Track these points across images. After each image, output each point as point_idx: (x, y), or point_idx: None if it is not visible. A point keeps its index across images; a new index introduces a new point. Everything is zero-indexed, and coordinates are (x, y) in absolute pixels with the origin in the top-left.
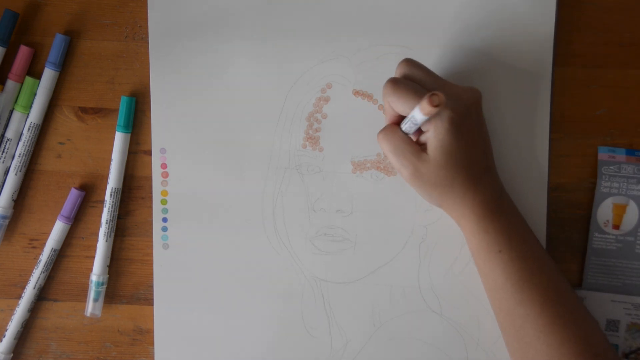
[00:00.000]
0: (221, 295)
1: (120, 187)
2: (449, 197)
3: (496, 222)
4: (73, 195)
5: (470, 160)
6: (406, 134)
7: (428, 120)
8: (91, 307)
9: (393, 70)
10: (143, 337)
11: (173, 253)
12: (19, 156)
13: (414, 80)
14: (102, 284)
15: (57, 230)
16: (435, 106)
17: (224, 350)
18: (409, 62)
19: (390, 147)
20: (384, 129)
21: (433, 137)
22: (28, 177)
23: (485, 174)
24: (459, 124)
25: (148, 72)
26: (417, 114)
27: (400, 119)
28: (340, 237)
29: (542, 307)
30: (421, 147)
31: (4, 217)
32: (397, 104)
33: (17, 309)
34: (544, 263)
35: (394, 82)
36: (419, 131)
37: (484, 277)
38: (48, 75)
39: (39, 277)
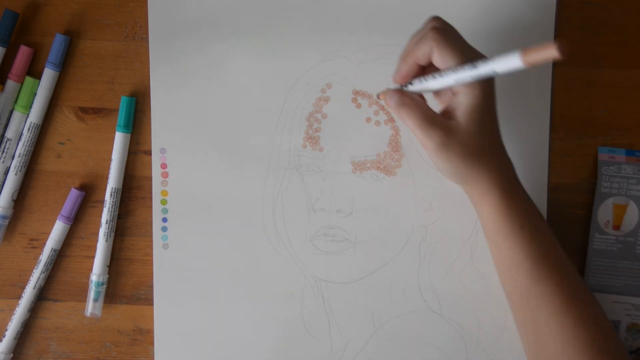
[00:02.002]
0: (221, 295)
1: (120, 187)
2: (475, 170)
3: (519, 196)
4: (73, 195)
5: (496, 131)
6: (422, 99)
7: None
8: (91, 307)
9: (393, 70)
10: (143, 337)
11: (173, 253)
12: (19, 156)
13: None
14: (102, 284)
15: (57, 230)
16: (564, 53)
17: (224, 350)
18: (441, 20)
19: (416, 122)
20: (404, 101)
21: (467, 101)
22: (28, 177)
23: (501, 151)
24: (491, 90)
25: (148, 72)
26: (512, 62)
27: (414, 74)
28: (340, 237)
29: (559, 286)
30: (444, 115)
31: (4, 217)
32: (446, 55)
33: (17, 309)
34: (556, 241)
35: (444, 31)
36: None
37: (500, 256)
38: (48, 75)
39: (39, 277)
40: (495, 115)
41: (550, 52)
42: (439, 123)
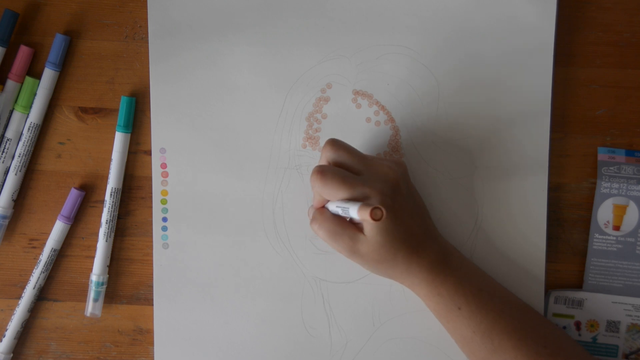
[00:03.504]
0: (221, 295)
1: (120, 187)
2: (394, 270)
3: (447, 282)
4: (73, 195)
5: (409, 233)
6: (332, 213)
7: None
8: (91, 307)
9: (393, 70)
10: (143, 337)
11: (173, 253)
12: (19, 156)
13: (340, 164)
14: (102, 284)
15: (57, 230)
16: (376, 220)
17: (224, 350)
18: (333, 144)
19: (326, 234)
20: (315, 217)
21: (368, 220)
22: (28, 177)
23: (426, 240)
24: (391, 204)
25: (148, 72)
26: (353, 214)
27: (327, 201)
28: None
29: (516, 349)
30: (356, 225)
31: (4, 217)
32: (326, 193)
33: (17, 309)
34: (508, 305)
35: (321, 172)
36: None
37: (452, 334)
38: (48, 75)
39: (39, 277)
40: (405, 219)
41: (366, 216)
42: (349, 236)
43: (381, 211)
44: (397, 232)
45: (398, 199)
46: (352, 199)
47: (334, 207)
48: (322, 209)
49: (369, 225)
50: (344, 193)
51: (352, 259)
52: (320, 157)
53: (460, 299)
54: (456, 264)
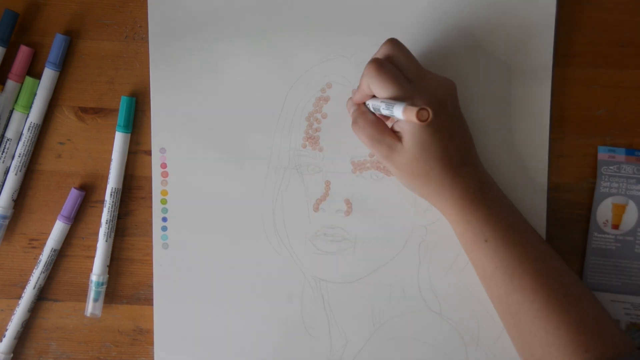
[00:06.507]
0: (221, 295)
1: (120, 187)
2: (428, 187)
3: (478, 212)
4: (73, 195)
5: (446, 153)
6: (375, 116)
7: None
8: (91, 307)
9: None
10: (143, 337)
11: (173, 253)
12: (19, 156)
13: (395, 64)
14: (102, 284)
15: (57, 230)
16: (423, 121)
17: (224, 350)
18: (393, 43)
19: (367, 138)
20: (357, 119)
21: (407, 131)
22: (28, 177)
23: (464, 166)
24: (433, 120)
25: (148, 72)
26: (397, 113)
27: (368, 97)
28: (340, 237)
29: (535, 293)
30: (396, 134)
31: (4, 217)
32: (377, 88)
33: (17, 309)
34: (536, 248)
35: (378, 65)
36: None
37: (475, 266)
38: (48, 75)
39: (39, 277)
40: (445, 138)
41: (412, 116)
42: (386, 141)
43: (428, 112)
44: (434, 148)
45: (441, 116)
46: (398, 100)
47: (378, 102)
48: (364, 111)
49: (407, 135)
50: (393, 91)
51: (390, 168)
52: (376, 51)
53: (488, 232)
54: (491, 197)
